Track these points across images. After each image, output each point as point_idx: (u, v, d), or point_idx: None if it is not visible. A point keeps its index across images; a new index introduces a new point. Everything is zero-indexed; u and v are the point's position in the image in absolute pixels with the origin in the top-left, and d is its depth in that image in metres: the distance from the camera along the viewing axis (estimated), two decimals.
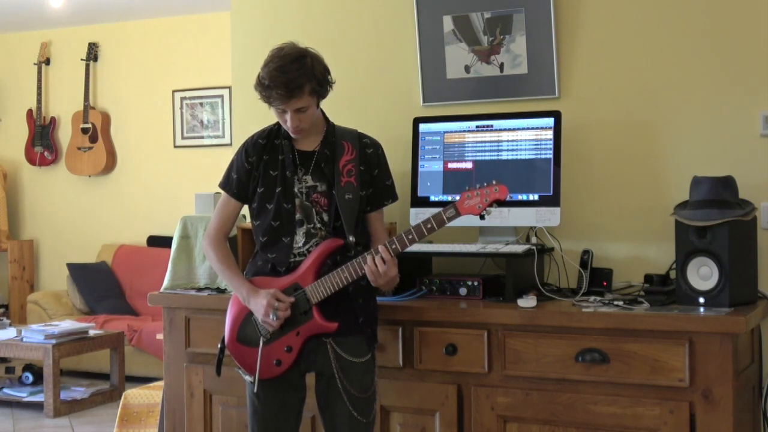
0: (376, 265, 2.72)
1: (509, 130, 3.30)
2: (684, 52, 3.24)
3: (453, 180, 3.35)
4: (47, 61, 8.01)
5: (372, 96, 3.72)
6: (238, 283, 2.87)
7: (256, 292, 2.81)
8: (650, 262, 3.23)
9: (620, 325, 2.75)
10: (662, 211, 3.16)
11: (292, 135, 2.87)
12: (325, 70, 2.82)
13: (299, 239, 2.85)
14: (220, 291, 3.41)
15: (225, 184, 2.98)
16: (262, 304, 2.77)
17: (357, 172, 2.86)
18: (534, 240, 3.27)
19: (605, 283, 3.17)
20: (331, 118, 2.97)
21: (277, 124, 2.91)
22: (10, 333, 6.14)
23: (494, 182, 2.72)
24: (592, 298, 3.02)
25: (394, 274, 2.76)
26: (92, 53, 7.81)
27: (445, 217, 2.72)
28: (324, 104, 2.92)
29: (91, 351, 6.23)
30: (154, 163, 7.70)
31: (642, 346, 2.73)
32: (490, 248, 3.10)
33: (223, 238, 2.98)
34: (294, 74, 2.71)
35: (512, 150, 3.28)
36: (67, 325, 6.18)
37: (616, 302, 2.91)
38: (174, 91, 7.61)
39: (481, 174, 3.29)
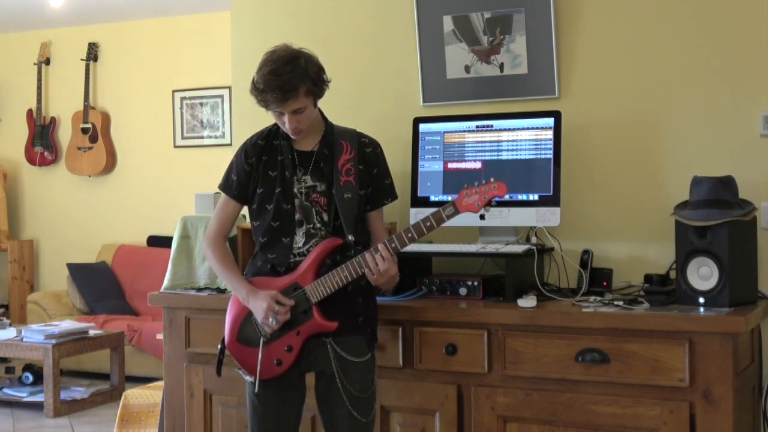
0: (376, 263, 2.72)
1: (509, 130, 3.29)
2: (684, 52, 3.23)
3: (453, 180, 3.35)
4: (47, 61, 8.00)
5: (372, 96, 3.72)
6: (238, 284, 2.87)
7: (256, 293, 2.80)
8: (650, 262, 3.23)
9: (620, 325, 2.76)
10: (662, 211, 3.16)
11: (291, 136, 2.87)
12: (320, 70, 2.81)
13: (299, 239, 2.85)
14: (220, 291, 3.41)
15: (225, 186, 2.98)
16: (262, 306, 2.77)
17: (356, 172, 2.86)
18: (534, 240, 3.27)
19: (605, 283, 3.17)
20: (331, 119, 2.97)
21: (276, 124, 2.91)
22: (10, 333, 6.14)
23: (492, 180, 2.72)
24: (592, 298, 3.02)
25: (394, 272, 2.77)
26: (92, 53, 7.81)
27: (444, 215, 2.72)
28: (324, 104, 2.92)
29: (91, 351, 6.23)
30: (154, 163, 7.70)
31: (642, 346, 2.72)
32: (490, 248, 3.10)
33: (222, 239, 2.98)
34: (288, 76, 2.71)
35: (512, 150, 3.28)
36: (67, 325, 6.18)
37: (616, 302, 2.91)
38: (174, 91, 7.61)
39: (482, 173, 3.29)
